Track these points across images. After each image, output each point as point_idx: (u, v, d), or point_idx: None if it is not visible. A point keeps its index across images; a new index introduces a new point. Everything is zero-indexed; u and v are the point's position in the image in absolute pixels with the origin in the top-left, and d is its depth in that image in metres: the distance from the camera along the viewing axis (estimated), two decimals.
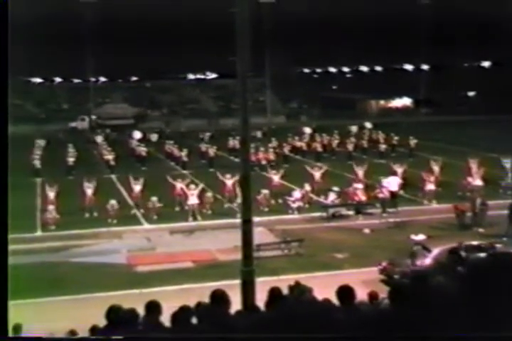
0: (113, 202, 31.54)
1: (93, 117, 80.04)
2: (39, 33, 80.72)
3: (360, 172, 36.22)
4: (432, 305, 6.67)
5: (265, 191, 33.06)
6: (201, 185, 32.96)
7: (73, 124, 78.00)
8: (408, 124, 67.02)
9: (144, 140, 59.15)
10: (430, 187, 34.15)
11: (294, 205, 32.45)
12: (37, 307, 19.89)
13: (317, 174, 36.25)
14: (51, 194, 32.72)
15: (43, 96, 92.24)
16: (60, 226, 30.06)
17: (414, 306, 6.60)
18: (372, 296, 10.36)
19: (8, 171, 6.72)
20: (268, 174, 36.28)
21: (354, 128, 62.36)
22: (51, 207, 30.82)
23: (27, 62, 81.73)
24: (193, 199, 31.58)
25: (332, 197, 32.95)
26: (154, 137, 61.20)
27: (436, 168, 37.67)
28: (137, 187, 33.67)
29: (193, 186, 32.58)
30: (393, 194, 32.89)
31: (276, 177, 35.52)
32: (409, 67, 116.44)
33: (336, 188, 33.60)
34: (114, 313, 7.57)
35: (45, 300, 20.93)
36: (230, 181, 33.65)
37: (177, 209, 32.81)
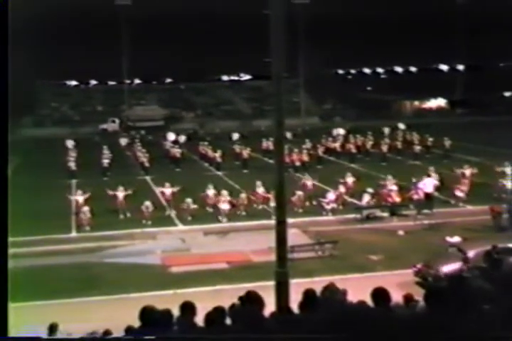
0: (147, 203, 31.64)
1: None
2: (74, 36, 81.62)
3: (390, 177, 35.34)
4: (467, 307, 6.61)
5: (300, 192, 32.92)
6: (239, 198, 32.92)
7: (104, 126, 78.12)
8: (443, 125, 66.35)
9: (178, 141, 59.23)
10: (459, 194, 33.65)
11: (328, 207, 32.32)
12: (72, 307, 20.07)
13: (349, 180, 35.76)
14: (80, 198, 32.56)
15: (78, 98, 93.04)
16: (94, 227, 30.25)
17: (450, 308, 6.55)
18: (408, 299, 10.29)
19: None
20: (302, 177, 36.04)
21: (387, 130, 61.62)
22: (85, 209, 30.97)
23: (63, 64, 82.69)
24: (224, 206, 31.66)
25: (366, 198, 32.72)
26: (182, 139, 60.91)
27: (467, 172, 36.55)
28: (168, 190, 33.74)
29: (225, 192, 32.60)
30: (428, 195, 32.59)
31: (310, 181, 35.24)
32: (444, 67, 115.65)
33: (370, 190, 33.36)
34: (147, 314, 7.60)
35: (80, 301, 21.04)
36: (260, 189, 33.49)
37: (211, 210, 32.78)
